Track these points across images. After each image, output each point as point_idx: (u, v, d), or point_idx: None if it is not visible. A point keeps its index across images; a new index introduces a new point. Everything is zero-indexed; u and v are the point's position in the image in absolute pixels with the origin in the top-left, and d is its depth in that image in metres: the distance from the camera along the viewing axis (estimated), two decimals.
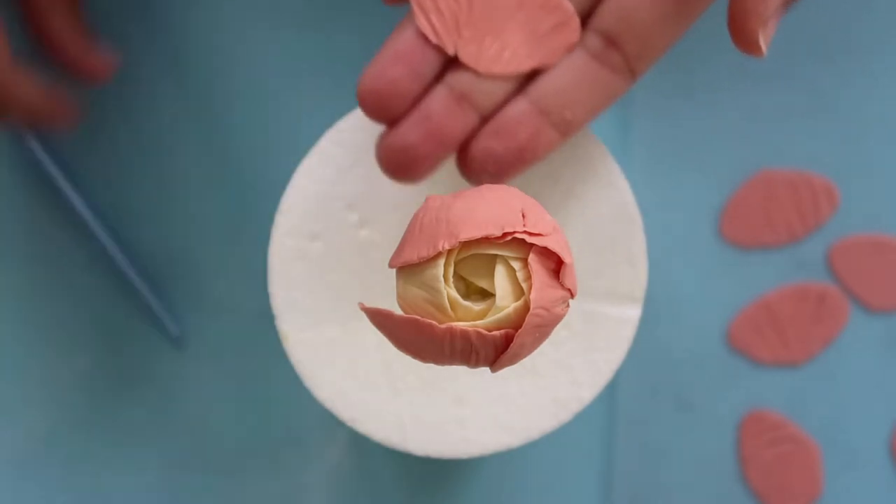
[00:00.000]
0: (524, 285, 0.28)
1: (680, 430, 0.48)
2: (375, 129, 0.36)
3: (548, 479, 0.48)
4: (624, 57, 0.35)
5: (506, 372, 0.33)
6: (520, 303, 0.28)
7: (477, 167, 0.35)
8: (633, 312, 0.39)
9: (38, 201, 0.46)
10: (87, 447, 0.47)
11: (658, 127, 0.47)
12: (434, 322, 0.28)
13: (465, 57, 0.35)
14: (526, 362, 0.31)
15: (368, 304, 0.29)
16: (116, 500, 0.48)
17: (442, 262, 0.28)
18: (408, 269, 0.29)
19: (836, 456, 0.48)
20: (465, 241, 0.28)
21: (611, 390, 0.47)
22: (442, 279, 0.28)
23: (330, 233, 0.40)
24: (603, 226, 0.40)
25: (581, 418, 0.40)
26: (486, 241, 0.28)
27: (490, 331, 0.28)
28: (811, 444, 0.48)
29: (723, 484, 0.48)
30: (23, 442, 0.47)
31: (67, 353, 0.47)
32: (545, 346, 0.33)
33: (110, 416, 0.47)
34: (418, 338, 0.28)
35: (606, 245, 0.40)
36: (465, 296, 0.29)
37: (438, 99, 0.35)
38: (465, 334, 0.28)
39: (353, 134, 0.40)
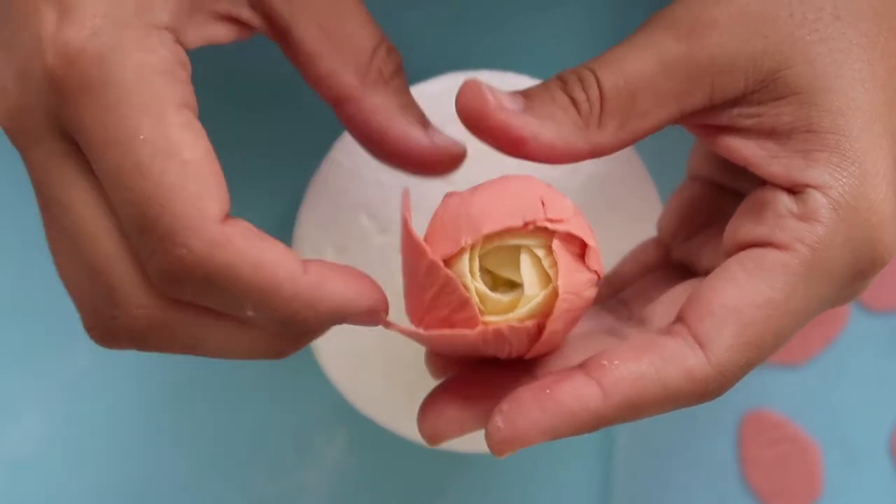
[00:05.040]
0: (550, 272, 0.28)
1: (680, 430, 0.48)
2: None
3: (548, 479, 0.48)
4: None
5: None
6: (548, 290, 0.28)
7: None
8: None
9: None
10: (87, 447, 0.47)
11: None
12: (466, 331, 0.27)
13: None
14: None
15: (391, 308, 0.29)
16: (117, 500, 0.47)
17: (466, 257, 0.28)
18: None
19: (836, 456, 0.48)
20: (487, 235, 0.28)
21: None
22: (468, 274, 0.28)
23: (348, 240, 0.40)
24: (622, 204, 0.39)
25: None
26: (509, 232, 0.28)
27: (522, 321, 0.28)
28: (811, 444, 0.48)
29: (723, 484, 0.48)
30: (23, 442, 0.47)
31: (68, 352, 0.47)
32: None
33: (110, 415, 0.47)
34: (453, 346, 0.28)
35: (626, 226, 0.39)
36: (493, 288, 0.28)
37: None
38: (497, 332, 0.28)
39: None
